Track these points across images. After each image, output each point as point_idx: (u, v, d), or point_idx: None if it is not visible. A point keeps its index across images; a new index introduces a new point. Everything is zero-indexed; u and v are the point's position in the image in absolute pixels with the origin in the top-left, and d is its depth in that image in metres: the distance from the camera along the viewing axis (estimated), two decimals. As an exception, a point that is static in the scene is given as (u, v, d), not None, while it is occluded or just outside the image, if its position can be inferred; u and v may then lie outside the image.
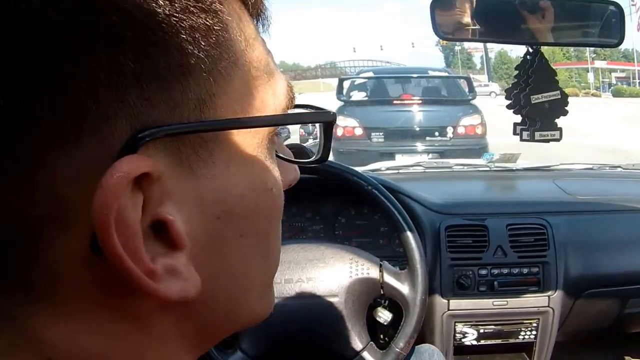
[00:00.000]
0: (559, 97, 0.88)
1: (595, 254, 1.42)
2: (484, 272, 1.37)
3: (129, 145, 0.28)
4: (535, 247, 1.39)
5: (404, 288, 1.13)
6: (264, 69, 0.35)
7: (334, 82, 8.45)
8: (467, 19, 0.87)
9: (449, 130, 6.55)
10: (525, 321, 1.39)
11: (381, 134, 6.65)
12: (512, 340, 1.41)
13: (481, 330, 1.40)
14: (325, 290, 1.13)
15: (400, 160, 5.70)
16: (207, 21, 0.30)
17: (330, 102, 7.67)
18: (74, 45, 0.26)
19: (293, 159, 0.43)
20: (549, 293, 1.37)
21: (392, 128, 6.66)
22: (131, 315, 0.31)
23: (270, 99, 0.35)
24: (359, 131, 6.69)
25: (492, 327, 1.40)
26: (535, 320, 1.39)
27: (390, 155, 5.90)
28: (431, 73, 8.44)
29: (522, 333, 1.40)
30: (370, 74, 8.63)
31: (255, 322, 0.40)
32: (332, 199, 1.50)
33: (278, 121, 0.36)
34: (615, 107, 23.97)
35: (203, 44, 0.30)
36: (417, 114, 6.77)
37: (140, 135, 0.28)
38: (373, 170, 1.92)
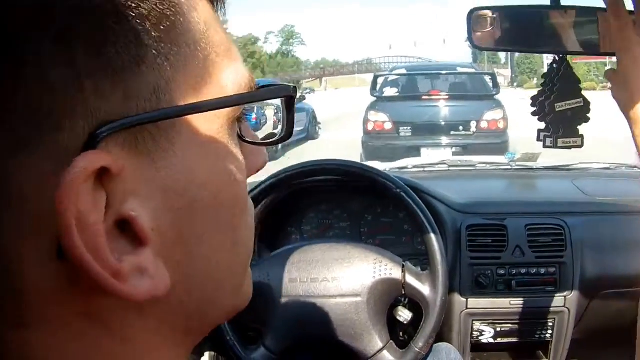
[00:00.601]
0: (582, 104, 0.80)
1: (612, 255, 1.32)
2: (502, 271, 1.29)
3: (89, 143, 0.25)
4: (552, 247, 1.30)
5: (424, 289, 1.07)
6: (224, 54, 0.31)
7: (369, 77, 8.39)
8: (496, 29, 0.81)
9: (473, 124, 6.37)
10: (541, 320, 1.31)
11: (409, 128, 6.51)
12: (528, 339, 1.34)
13: (498, 329, 1.33)
14: (349, 290, 1.08)
15: (426, 154, 5.59)
16: (158, 7, 0.27)
17: (364, 97, 7.59)
18: (26, 46, 0.24)
19: (259, 141, 0.38)
20: (565, 293, 1.28)
21: (420, 122, 6.51)
22: (106, 321, 0.28)
23: (229, 85, 0.31)
24: (388, 125, 6.58)
25: (509, 325, 1.32)
26: (551, 320, 1.30)
27: (416, 150, 5.77)
28: (459, 69, 8.22)
29: (538, 332, 1.32)
30: (403, 71, 8.48)
31: (232, 315, 0.36)
32: (361, 198, 1.43)
33: (233, 102, 0.31)
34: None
35: (155, 30, 0.27)
36: (444, 109, 6.59)
37: (98, 131, 0.25)
38: (400, 168, 1.85)
